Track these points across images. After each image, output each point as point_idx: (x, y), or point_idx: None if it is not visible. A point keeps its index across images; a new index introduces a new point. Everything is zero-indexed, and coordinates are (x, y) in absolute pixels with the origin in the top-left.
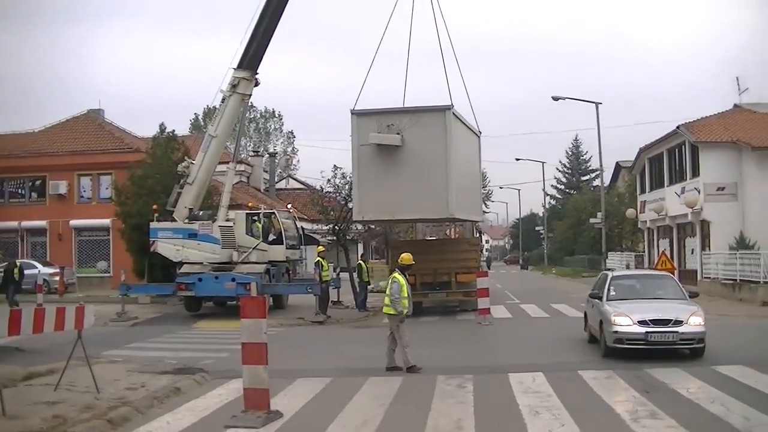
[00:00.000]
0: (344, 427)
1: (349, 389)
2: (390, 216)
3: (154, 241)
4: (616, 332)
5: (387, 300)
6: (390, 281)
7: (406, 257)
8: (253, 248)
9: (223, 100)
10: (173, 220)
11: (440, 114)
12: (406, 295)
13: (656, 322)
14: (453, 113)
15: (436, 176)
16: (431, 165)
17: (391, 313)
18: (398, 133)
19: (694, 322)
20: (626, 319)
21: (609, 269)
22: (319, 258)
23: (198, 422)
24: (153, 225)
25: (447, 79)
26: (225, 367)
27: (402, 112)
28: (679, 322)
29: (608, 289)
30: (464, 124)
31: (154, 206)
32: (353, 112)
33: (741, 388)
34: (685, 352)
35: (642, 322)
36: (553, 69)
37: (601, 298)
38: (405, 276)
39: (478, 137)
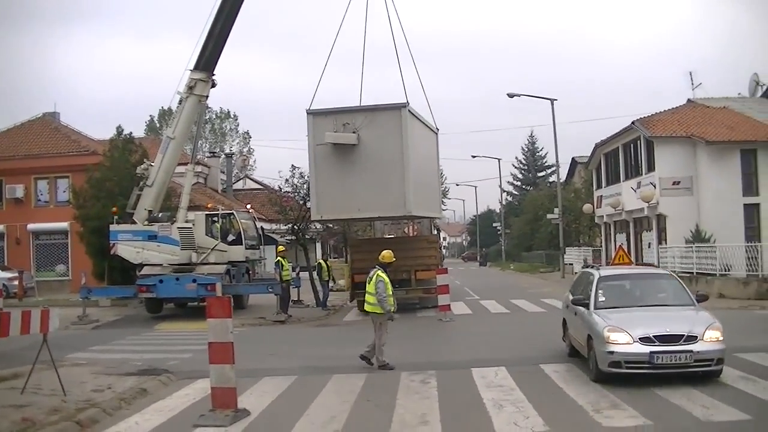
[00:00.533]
0: (312, 424)
1: (314, 387)
2: (348, 215)
3: (114, 244)
4: (611, 353)
5: (371, 299)
6: (374, 280)
7: (387, 255)
8: (212, 249)
9: (180, 101)
10: (133, 222)
11: (396, 112)
12: (390, 292)
13: (663, 338)
14: (409, 110)
15: (394, 174)
16: (388, 163)
17: (378, 312)
18: (354, 132)
19: (711, 337)
20: (624, 336)
21: (592, 266)
22: (279, 258)
23: (166, 422)
24: (113, 228)
25: (402, 76)
26: (189, 368)
27: (357, 110)
28: (692, 338)
29: (596, 294)
30: (421, 121)
31: (114, 208)
32: (309, 112)
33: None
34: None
35: (645, 340)
36: (508, 67)
37: (587, 305)
38: (387, 273)
39: (436, 134)
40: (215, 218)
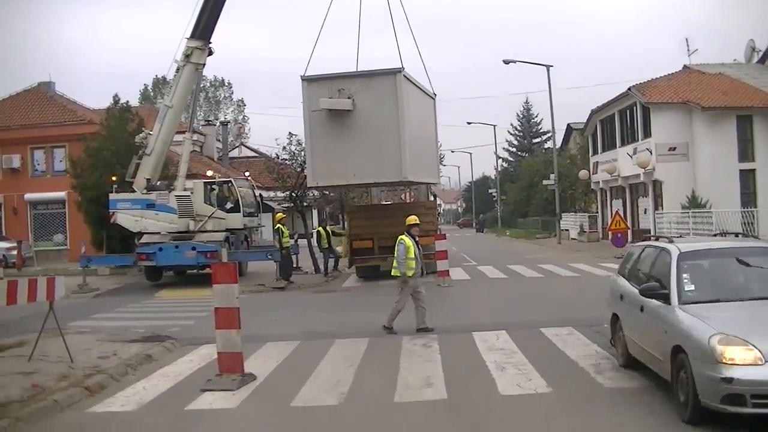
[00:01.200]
0: (318, 388)
1: (317, 352)
2: (344, 181)
3: (113, 213)
4: (728, 380)
5: (394, 262)
6: (397, 243)
7: (410, 218)
8: (209, 216)
9: (178, 70)
10: (132, 191)
11: (391, 77)
12: (412, 256)
13: None
14: (404, 76)
15: (389, 140)
16: (384, 128)
17: (397, 274)
18: (349, 98)
19: None
20: (748, 352)
21: (662, 237)
22: (278, 225)
23: (173, 387)
24: (112, 197)
25: (397, 41)
26: (192, 334)
27: (353, 76)
28: None
29: (679, 280)
30: (417, 86)
31: (113, 177)
32: (303, 78)
33: None
34: None
35: None
36: (504, 33)
37: (666, 298)
38: (413, 238)
39: (433, 99)
40: (213, 186)
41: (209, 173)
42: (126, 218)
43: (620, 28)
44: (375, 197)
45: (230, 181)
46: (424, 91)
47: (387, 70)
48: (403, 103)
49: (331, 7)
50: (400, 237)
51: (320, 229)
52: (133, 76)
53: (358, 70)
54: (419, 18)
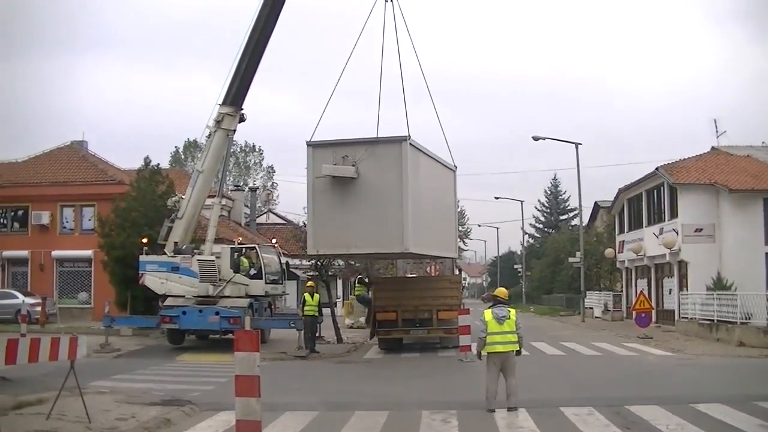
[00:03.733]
0: None
1: (336, 423)
2: (345, 250)
3: (142, 274)
4: None
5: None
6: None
7: (500, 291)
8: (228, 282)
9: (209, 135)
10: (164, 253)
11: (396, 145)
12: (487, 332)
13: None
14: (412, 144)
15: (392, 209)
16: (387, 198)
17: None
18: (353, 165)
19: None
20: None
21: None
22: (305, 293)
23: None
24: (142, 258)
25: (406, 111)
26: (212, 400)
27: (357, 143)
28: None
29: None
30: (430, 156)
31: (144, 239)
32: (308, 144)
33: (720, 425)
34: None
35: None
36: (533, 109)
37: None
38: (495, 311)
39: (453, 171)
40: (239, 252)
41: (239, 239)
42: (153, 280)
43: (649, 107)
44: (400, 269)
45: (255, 247)
46: (440, 162)
47: (392, 138)
48: (408, 173)
49: (342, 75)
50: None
51: (306, 293)
52: (165, 138)
53: (364, 137)
54: (454, 91)
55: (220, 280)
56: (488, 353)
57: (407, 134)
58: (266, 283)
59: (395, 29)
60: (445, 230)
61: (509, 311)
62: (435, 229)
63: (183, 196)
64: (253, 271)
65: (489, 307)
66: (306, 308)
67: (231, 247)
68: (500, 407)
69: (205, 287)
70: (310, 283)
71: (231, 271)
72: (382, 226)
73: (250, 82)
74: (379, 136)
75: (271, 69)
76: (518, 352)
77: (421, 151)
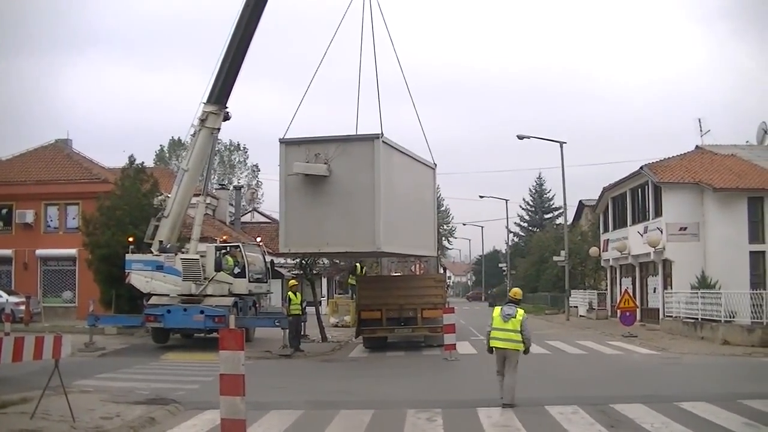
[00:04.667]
0: None
1: (321, 422)
2: (317, 249)
3: (128, 273)
4: None
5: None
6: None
7: (514, 292)
8: (209, 280)
9: (194, 134)
10: (150, 252)
11: (368, 143)
12: (491, 327)
13: None
14: (385, 142)
15: (364, 208)
16: (359, 196)
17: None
18: (325, 163)
19: None
20: None
21: None
22: (289, 292)
23: None
24: (128, 257)
25: (380, 108)
26: (197, 398)
27: (330, 141)
28: None
29: None
30: (406, 154)
31: (130, 238)
32: (281, 141)
33: (704, 424)
34: None
35: None
36: (517, 107)
37: None
38: (504, 309)
39: (433, 169)
40: (224, 250)
41: (225, 238)
42: (138, 279)
43: (633, 106)
44: (385, 268)
45: (239, 245)
46: (417, 160)
47: (365, 136)
48: (381, 171)
49: (317, 72)
50: (516, 310)
51: (290, 292)
52: (150, 136)
53: (337, 135)
54: (436, 91)
55: (204, 278)
56: (492, 347)
57: (380, 132)
58: (250, 281)
59: (372, 26)
60: (422, 229)
61: (517, 311)
62: (411, 227)
63: (169, 195)
64: (236, 270)
65: (502, 305)
66: (291, 307)
67: (215, 246)
68: (483, 405)
69: (188, 286)
70: (293, 281)
71: (217, 269)
72: (354, 225)
73: (234, 80)
74: (350, 134)
75: (256, 67)
76: (526, 352)
77: (395, 149)
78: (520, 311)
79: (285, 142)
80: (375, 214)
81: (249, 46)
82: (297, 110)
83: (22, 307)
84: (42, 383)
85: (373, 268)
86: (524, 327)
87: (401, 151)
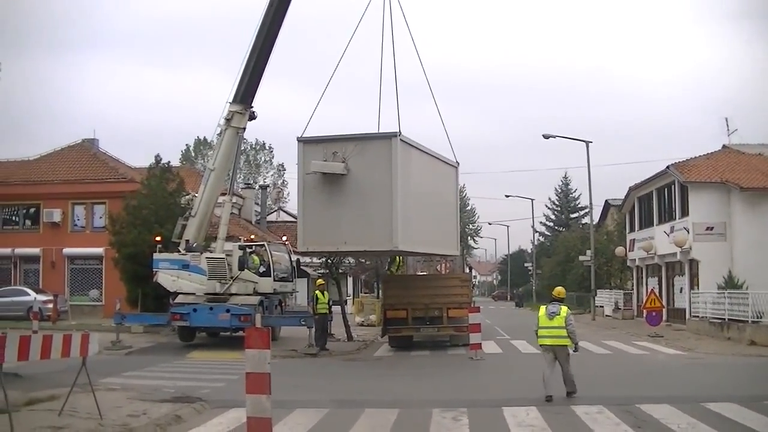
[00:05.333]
0: None
1: (346, 420)
2: (334, 248)
3: (156, 272)
4: None
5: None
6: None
7: (557, 291)
8: (234, 279)
9: (220, 133)
10: (178, 251)
11: (386, 141)
12: (538, 326)
13: None
14: (402, 140)
15: (381, 206)
16: (376, 194)
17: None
18: (343, 161)
19: None
20: None
21: None
22: (317, 291)
23: None
24: (156, 256)
25: (398, 106)
26: (222, 397)
27: (347, 139)
28: None
29: None
30: (426, 152)
31: (158, 237)
32: (299, 140)
33: (731, 425)
34: None
35: None
36: (543, 106)
37: None
38: (549, 307)
39: (455, 168)
40: (250, 249)
41: (252, 237)
42: (165, 278)
43: (660, 105)
44: (410, 267)
45: (264, 244)
46: (438, 159)
47: (382, 134)
48: (398, 169)
49: (336, 69)
50: (560, 308)
51: (317, 292)
52: (176, 136)
53: (354, 133)
54: (461, 91)
55: (231, 278)
56: (540, 345)
57: (398, 130)
58: (275, 280)
59: (391, 25)
60: (444, 227)
61: (561, 308)
62: (431, 226)
63: (196, 194)
64: (262, 269)
65: (546, 304)
66: (318, 306)
67: (238, 245)
68: (509, 405)
69: (212, 284)
70: (320, 281)
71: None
72: (371, 224)
73: (259, 80)
74: (368, 132)
75: (283, 67)
76: (575, 349)
77: (414, 147)
78: (564, 308)
79: (303, 141)
80: (392, 212)
81: (273, 46)
82: (315, 109)
83: (50, 306)
84: (69, 381)
85: (400, 266)
86: (569, 323)
87: (421, 150)
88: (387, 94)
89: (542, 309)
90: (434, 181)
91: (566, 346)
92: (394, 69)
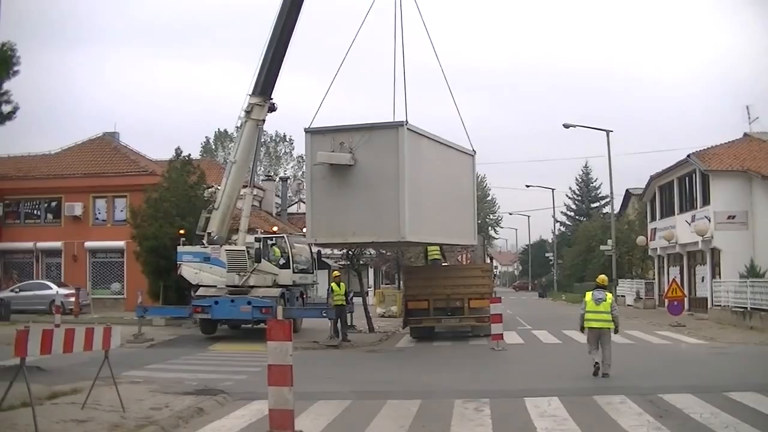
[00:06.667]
0: None
1: (368, 411)
2: (343, 239)
3: (179, 264)
4: None
5: (597, 316)
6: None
7: (600, 279)
8: (251, 271)
9: (240, 125)
10: (202, 244)
11: (393, 131)
12: (585, 310)
13: None
14: (410, 129)
15: (389, 196)
16: (384, 184)
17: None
18: (350, 152)
19: None
20: None
21: None
22: (333, 283)
23: None
24: (179, 249)
25: (405, 94)
26: (245, 389)
27: (355, 129)
28: None
29: None
30: (438, 141)
31: (182, 230)
32: (306, 130)
33: (754, 414)
34: None
35: None
36: (564, 96)
37: None
38: (595, 293)
39: (472, 156)
40: (271, 241)
41: (275, 229)
42: (188, 270)
43: (681, 94)
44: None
45: (283, 236)
46: (452, 147)
47: (389, 123)
48: (406, 159)
49: (345, 59)
50: (606, 294)
51: (333, 283)
52: (196, 128)
53: (361, 123)
54: (481, 82)
55: (249, 270)
56: (587, 328)
57: (405, 119)
58: (294, 272)
59: (401, 14)
60: (458, 217)
61: (606, 295)
62: (444, 216)
63: (218, 187)
64: (281, 261)
65: (591, 290)
66: (334, 298)
67: (255, 237)
68: (531, 395)
69: (232, 277)
70: (336, 272)
71: (263, 261)
72: (379, 214)
73: (278, 71)
74: (375, 122)
75: (304, 60)
76: (616, 330)
77: (423, 136)
78: (609, 295)
79: (310, 132)
80: (399, 202)
81: (291, 37)
82: (324, 99)
83: (72, 299)
84: (92, 374)
85: (420, 257)
86: (614, 308)
87: (431, 138)
88: (411, 85)
89: (588, 295)
90: (448, 169)
91: (610, 329)
92: (402, 57)
